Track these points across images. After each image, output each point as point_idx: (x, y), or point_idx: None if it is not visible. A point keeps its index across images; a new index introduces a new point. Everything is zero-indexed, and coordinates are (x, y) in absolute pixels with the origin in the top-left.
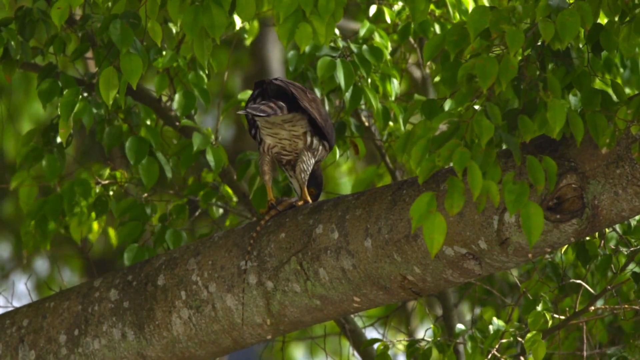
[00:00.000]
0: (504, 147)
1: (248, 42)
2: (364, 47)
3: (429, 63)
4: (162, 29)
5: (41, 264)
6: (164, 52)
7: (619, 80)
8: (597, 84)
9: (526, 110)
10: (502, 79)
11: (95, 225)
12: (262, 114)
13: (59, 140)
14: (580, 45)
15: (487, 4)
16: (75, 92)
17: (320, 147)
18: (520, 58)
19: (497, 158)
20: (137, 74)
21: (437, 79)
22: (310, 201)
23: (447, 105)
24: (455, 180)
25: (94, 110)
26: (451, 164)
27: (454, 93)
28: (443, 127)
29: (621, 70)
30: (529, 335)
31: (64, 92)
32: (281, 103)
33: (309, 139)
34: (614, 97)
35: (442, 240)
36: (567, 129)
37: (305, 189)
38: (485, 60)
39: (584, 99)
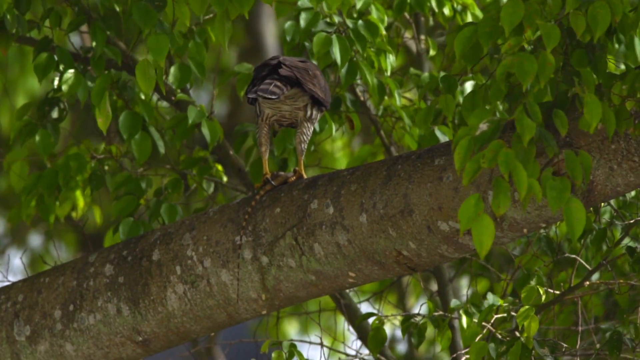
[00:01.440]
0: None
1: (245, 12)
2: (360, 22)
3: (422, 37)
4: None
5: (35, 239)
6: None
7: (611, 59)
8: (611, 67)
9: (558, 104)
10: (541, 77)
11: (80, 202)
12: (272, 97)
13: (54, 114)
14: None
15: None
16: (107, 79)
17: (319, 115)
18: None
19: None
20: (164, 53)
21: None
22: (305, 176)
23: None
24: (502, 181)
25: (90, 84)
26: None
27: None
28: (483, 126)
29: (616, 46)
30: (521, 310)
31: (97, 81)
32: (284, 80)
33: (309, 110)
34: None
35: (490, 242)
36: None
37: (302, 161)
38: (523, 57)
39: (603, 82)
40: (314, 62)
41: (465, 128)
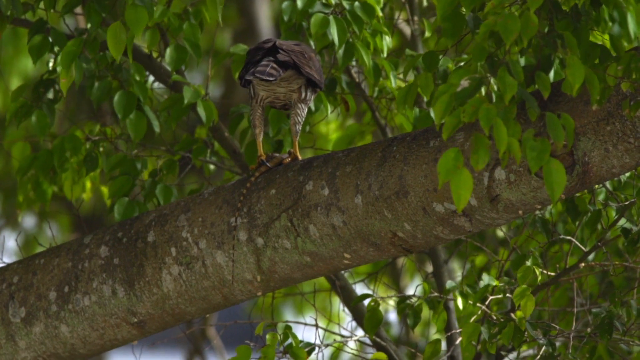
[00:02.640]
0: None
1: None
2: (356, 3)
3: (416, 18)
4: None
5: (30, 220)
6: (154, 8)
7: (606, 37)
8: (593, 38)
9: (541, 67)
10: (524, 36)
11: (88, 184)
12: (270, 79)
13: (49, 96)
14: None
15: None
16: (79, 42)
17: (313, 95)
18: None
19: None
20: (142, 26)
21: (428, 34)
22: (300, 157)
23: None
24: (481, 136)
25: (84, 66)
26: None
27: (457, 44)
28: (464, 83)
29: (609, 24)
30: (517, 289)
31: (68, 42)
32: (280, 64)
33: (303, 92)
34: (613, 53)
35: (468, 195)
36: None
37: (297, 143)
38: (507, 17)
39: (582, 53)
40: (311, 44)
41: (446, 85)
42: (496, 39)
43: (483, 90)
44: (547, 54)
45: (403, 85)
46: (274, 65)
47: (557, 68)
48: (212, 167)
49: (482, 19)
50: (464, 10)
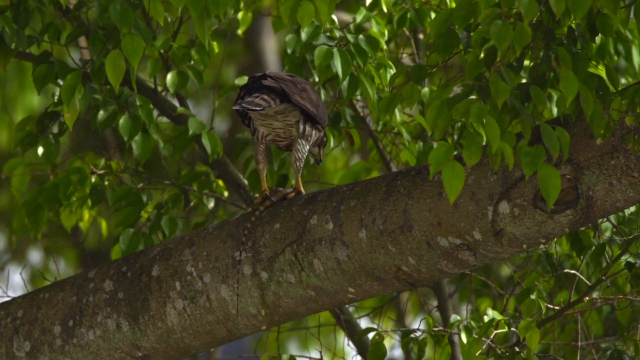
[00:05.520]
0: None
1: (240, 31)
2: (360, 36)
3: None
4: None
5: (36, 255)
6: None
7: (601, 67)
8: (591, 70)
9: (536, 84)
10: (517, 45)
11: (86, 214)
12: (257, 108)
13: (54, 129)
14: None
15: None
16: (77, 75)
17: (314, 132)
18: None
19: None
20: (139, 55)
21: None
22: (303, 192)
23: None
24: (473, 134)
25: (89, 96)
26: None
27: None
28: (457, 89)
29: (615, 58)
30: (522, 322)
31: (67, 77)
32: (273, 94)
33: (301, 126)
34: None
35: (460, 187)
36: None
37: (300, 179)
38: (500, 25)
39: (580, 82)
40: (315, 77)
41: (437, 91)
42: (489, 52)
43: (474, 96)
44: (542, 72)
45: (407, 119)
46: (264, 97)
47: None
48: (211, 204)
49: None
50: (457, 28)
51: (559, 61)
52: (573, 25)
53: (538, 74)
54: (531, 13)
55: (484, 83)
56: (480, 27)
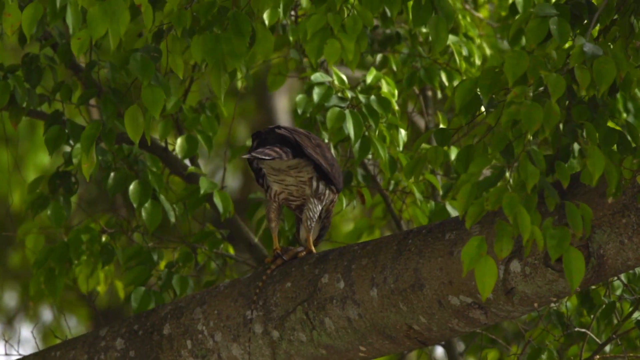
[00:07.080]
0: None
1: (241, 85)
2: (372, 97)
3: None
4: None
5: (47, 313)
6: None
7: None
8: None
9: (560, 157)
10: (546, 126)
11: (102, 276)
12: (266, 158)
13: (65, 188)
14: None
15: (488, 51)
16: (97, 125)
17: (327, 192)
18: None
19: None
20: (159, 106)
21: (443, 126)
22: (314, 251)
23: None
24: (505, 224)
25: (100, 158)
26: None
27: (469, 123)
28: (486, 172)
29: (624, 115)
30: None
31: (87, 126)
32: (286, 148)
33: (314, 184)
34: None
35: (493, 283)
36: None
37: (310, 238)
38: (529, 106)
39: (600, 138)
40: (325, 137)
41: (467, 175)
42: (516, 128)
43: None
44: (566, 143)
45: (419, 178)
46: (276, 149)
47: (570, 161)
48: (213, 265)
49: (497, 101)
50: (482, 96)
51: (584, 135)
52: (597, 95)
53: (562, 145)
54: (559, 90)
55: (513, 165)
56: (511, 106)
